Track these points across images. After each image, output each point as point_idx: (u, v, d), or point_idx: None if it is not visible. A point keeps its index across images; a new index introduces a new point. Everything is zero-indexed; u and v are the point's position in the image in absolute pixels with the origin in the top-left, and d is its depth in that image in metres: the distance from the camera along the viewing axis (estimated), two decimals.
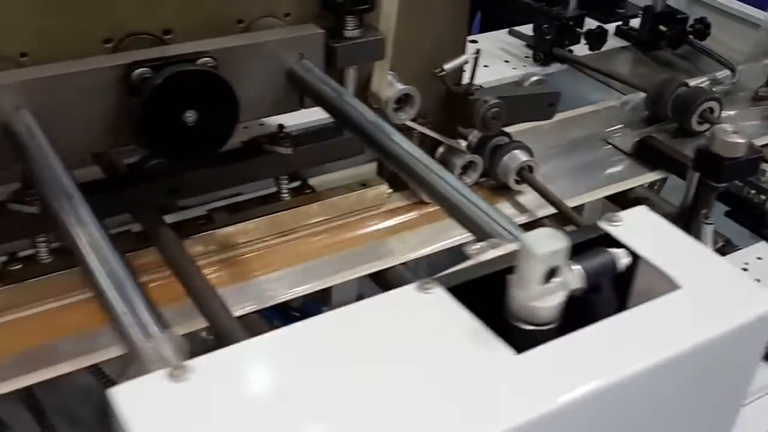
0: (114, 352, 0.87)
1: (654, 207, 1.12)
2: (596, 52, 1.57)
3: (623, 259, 0.49)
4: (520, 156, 1.13)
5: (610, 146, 1.29)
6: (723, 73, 1.50)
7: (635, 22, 1.67)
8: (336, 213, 1.07)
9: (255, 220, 1.01)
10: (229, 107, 0.82)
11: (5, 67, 0.79)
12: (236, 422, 0.40)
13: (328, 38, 0.91)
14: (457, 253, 1.02)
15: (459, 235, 1.08)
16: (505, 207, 1.14)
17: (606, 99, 1.46)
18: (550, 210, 1.11)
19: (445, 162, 1.12)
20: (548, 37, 1.51)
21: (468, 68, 1.09)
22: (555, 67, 1.54)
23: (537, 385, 0.42)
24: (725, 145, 0.95)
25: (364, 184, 1.10)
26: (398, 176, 1.11)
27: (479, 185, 1.16)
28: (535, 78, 1.22)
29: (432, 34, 1.04)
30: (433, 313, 0.46)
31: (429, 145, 1.11)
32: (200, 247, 0.98)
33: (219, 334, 0.79)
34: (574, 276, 0.45)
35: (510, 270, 0.48)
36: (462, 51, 1.09)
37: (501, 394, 0.42)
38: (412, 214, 1.11)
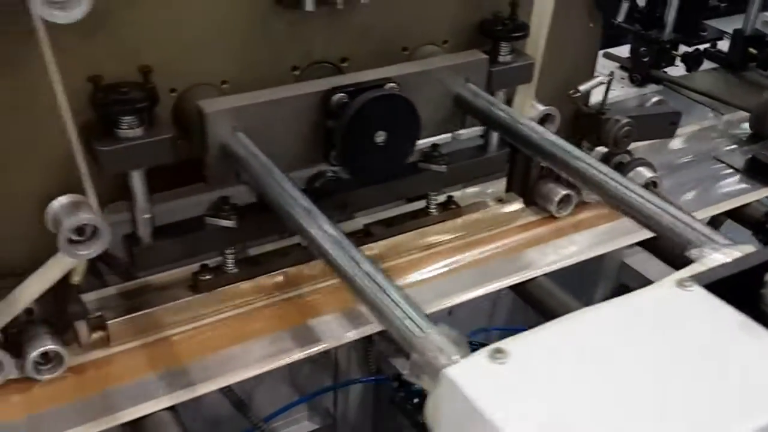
0: (296, 355, 0.94)
1: None
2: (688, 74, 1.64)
3: None
4: (645, 172, 1.19)
5: (719, 163, 1.35)
6: None
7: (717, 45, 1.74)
8: (477, 227, 1.13)
9: (405, 234, 1.08)
10: (413, 128, 0.89)
11: (209, 93, 0.87)
12: (556, 398, 0.47)
13: None
14: None
15: (589, 249, 1.14)
16: (626, 223, 1.20)
17: (702, 119, 1.52)
18: None
19: None
20: (646, 60, 1.57)
21: (600, 90, 1.15)
22: (649, 88, 1.61)
23: None
24: None
25: (500, 200, 1.16)
26: (526, 192, 1.19)
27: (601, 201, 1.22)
28: (655, 99, 1.28)
29: (568, 58, 1.11)
30: (699, 308, 0.53)
31: None
32: None
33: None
34: None
35: (756, 269, 0.55)
36: (591, 74, 1.16)
37: None
38: (543, 229, 1.18)
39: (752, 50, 1.66)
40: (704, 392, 0.47)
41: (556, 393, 0.47)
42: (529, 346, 0.50)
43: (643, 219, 0.74)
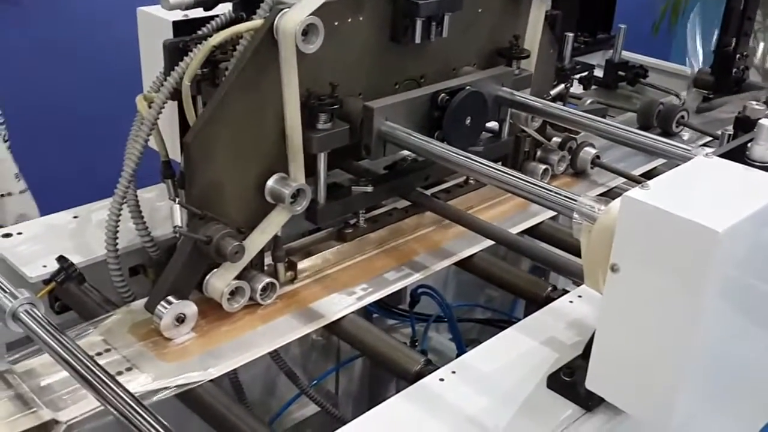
0: (414, 277, 1.38)
1: None
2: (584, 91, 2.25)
3: None
4: (591, 150, 1.74)
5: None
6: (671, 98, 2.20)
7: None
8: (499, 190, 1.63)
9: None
10: (485, 114, 1.38)
11: (356, 101, 1.30)
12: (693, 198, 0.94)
13: None
14: None
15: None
16: (585, 185, 1.74)
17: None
18: (618, 181, 1.72)
19: (545, 157, 1.71)
20: (554, 83, 2.15)
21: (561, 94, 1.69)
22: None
23: None
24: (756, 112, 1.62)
25: None
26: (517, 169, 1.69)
27: (564, 173, 1.75)
28: (590, 101, 1.84)
29: (542, 71, 1.64)
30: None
31: (532, 146, 1.70)
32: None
33: (504, 242, 1.33)
34: None
35: None
36: (552, 83, 1.70)
37: None
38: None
39: (621, 73, 2.30)
40: None
41: (692, 196, 0.94)
42: (661, 183, 0.97)
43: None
